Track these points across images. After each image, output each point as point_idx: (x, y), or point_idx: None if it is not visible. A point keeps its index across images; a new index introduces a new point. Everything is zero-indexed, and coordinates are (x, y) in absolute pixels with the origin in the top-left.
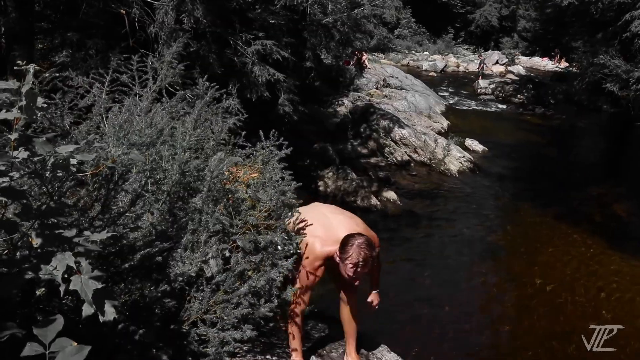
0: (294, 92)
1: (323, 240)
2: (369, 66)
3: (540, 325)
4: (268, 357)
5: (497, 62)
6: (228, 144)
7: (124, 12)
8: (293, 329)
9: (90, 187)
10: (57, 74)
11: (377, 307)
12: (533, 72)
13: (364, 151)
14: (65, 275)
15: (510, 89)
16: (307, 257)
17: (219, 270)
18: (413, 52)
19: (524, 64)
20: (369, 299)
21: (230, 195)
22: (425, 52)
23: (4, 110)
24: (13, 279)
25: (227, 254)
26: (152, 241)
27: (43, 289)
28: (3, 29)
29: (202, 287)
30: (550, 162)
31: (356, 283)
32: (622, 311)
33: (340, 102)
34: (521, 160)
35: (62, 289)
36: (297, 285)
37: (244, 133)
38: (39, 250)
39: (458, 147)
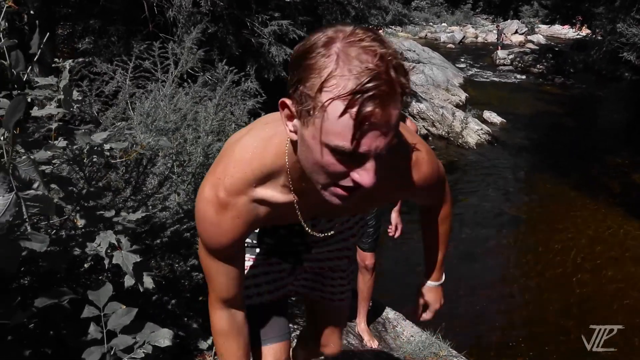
0: None
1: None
2: None
3: (560, 298)
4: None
5: (516, 32)
6: None
7: None
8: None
9: (120, 171)
10: (84, 64)
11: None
12: (553, 40)
13: None
14: (108, 251)
15: (530, 59)
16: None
17: None
18: (431, 24)
19: (544, 32)
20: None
21: None
22: (444, 24)
23: (48, 105)
24: (62, 255)
25: None
26: (180, 219)
27: (91, 262)
28: (26, 18)
29: None
30: (569, 133)
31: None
32: None
33: None
34: (540, 131)
35: (106, 262)
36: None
37: (263, 114)
38: (83, 230)
39: (476, 119)
